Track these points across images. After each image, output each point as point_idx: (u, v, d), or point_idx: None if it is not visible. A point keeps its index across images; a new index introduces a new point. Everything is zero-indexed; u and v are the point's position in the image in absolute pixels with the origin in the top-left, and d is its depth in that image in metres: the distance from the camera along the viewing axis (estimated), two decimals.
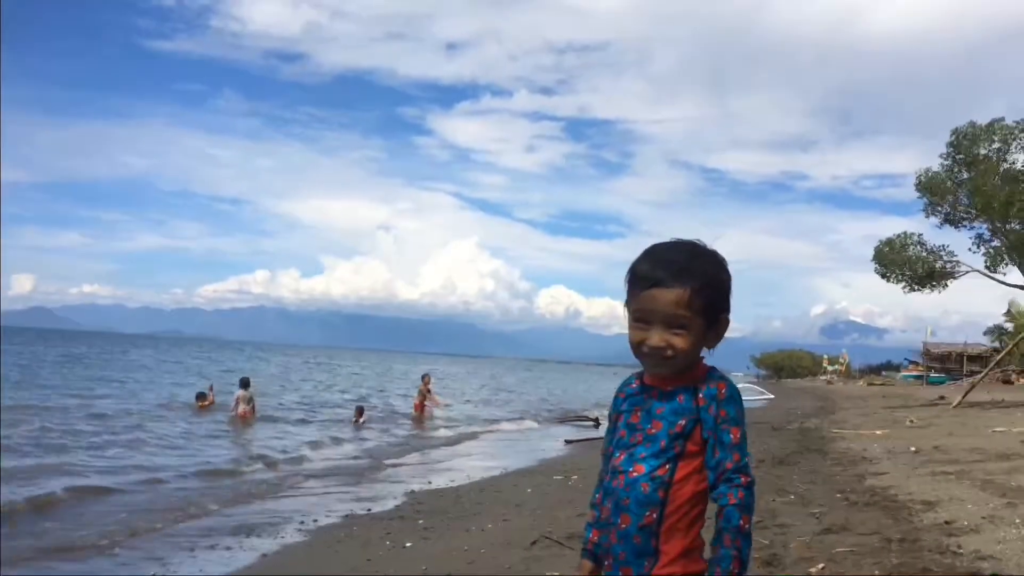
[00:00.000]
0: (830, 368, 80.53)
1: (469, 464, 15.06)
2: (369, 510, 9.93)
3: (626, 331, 2.20)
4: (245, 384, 20.22)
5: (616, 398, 2.36)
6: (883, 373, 76.62)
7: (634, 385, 2.31)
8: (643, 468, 2.16)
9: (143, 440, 15.70)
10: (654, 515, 2.13)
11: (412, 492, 11.32)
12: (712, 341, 2.20)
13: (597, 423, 26.19)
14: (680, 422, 2.16)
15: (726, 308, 2.21)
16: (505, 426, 24.23)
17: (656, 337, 2.14)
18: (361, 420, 20.90)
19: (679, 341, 2.13)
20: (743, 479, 2.13)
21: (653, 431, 2.18)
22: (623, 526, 2.15)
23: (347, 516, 9.51)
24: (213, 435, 17.43)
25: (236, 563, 7.33)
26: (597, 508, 2.29)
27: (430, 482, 12.36)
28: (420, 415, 24.01)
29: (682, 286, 2.12)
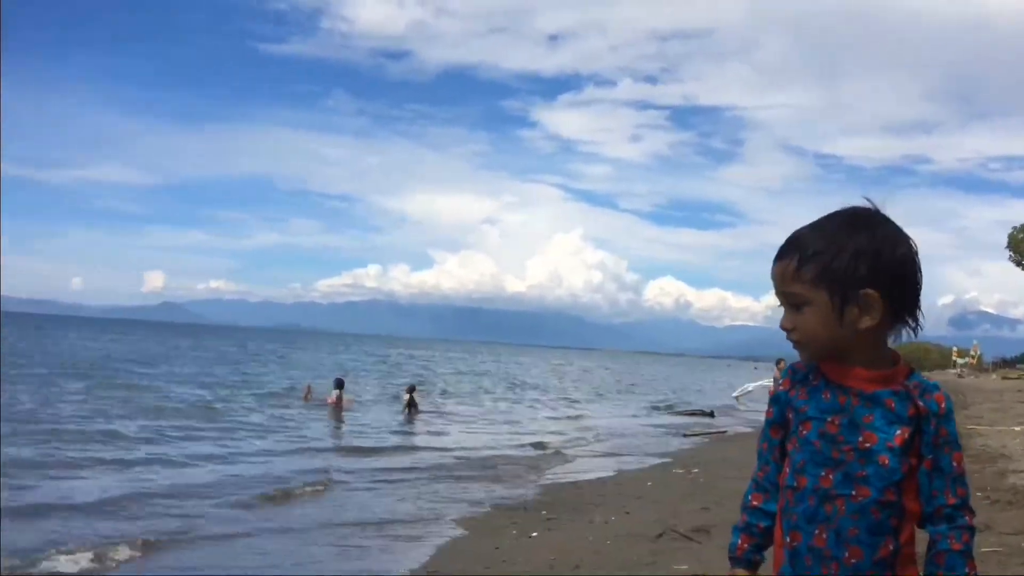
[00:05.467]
0: (960, 361, 76.22)
1: (588, 456, 15.17)
2: (488, 498, 10.20)
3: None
4: (340, 385, 21.29)
5: (782, 393, 1.94)
6: (1019, 366, 72.23)
7: (815, 381, 1.88)
8: (869, 491, 1.78)
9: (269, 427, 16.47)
10: (890, 546, 1.79)
11: (534, 483, 11.51)
12: (862, 319, 1.78)
13: (712, 415, 25.91)
14: (898, 433, 1.79)
15: (869, 281, 1.77)
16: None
17: (784, 319, 1.86)
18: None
19: (802, 321, 1.82)
20: (968, 518, 1.82)
21: (867, 444, 1.79)
22: (852, 560, 1.78)
23: (469, 504, 9.78)
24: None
25: (370, 559, 7.66)
26: (753, 513, 1.98)
27: (552, 474, 12.54)
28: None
29: (788, 257, 1.83)
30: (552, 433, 19.06)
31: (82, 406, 18.16)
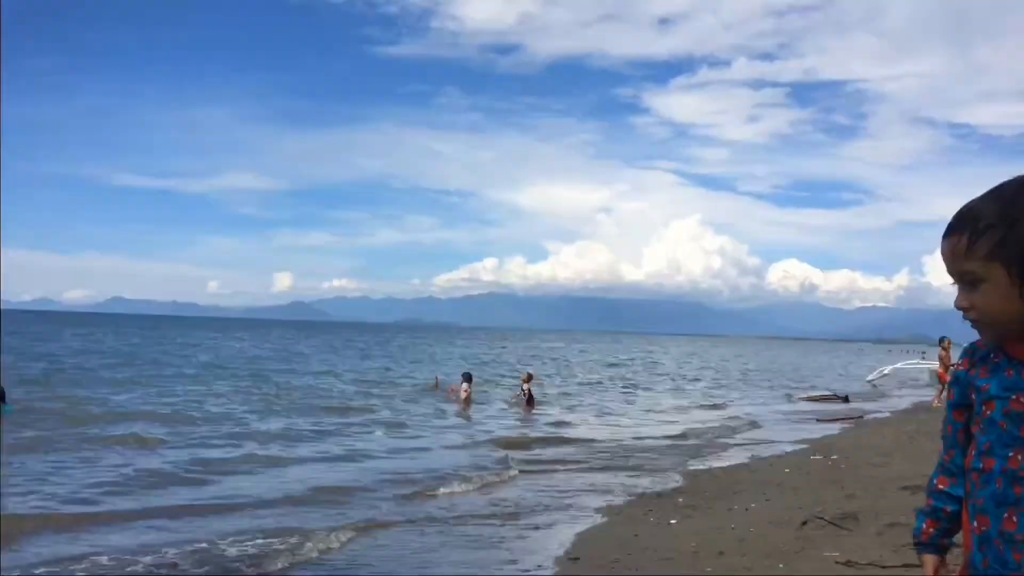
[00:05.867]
0: None
1: (722, 443, 15.00)
2: (624, 486, 10.26)
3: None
4: (468, 379, 21.77)
5: (961, 373, 1.89)
6: None
7: (997, 359, 1.81)
8: None
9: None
10: None
11: (669, 472, 11.48)
12: None
13: (846, 400, 25.04)
14: None
15: None
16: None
17: (959, 297, 1.77)
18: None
19: (980, 299, 1.72)
20: None
21: None
22: None
23: (606, 493, 9.86)
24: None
25: (511, 547, 7.86)
26: (939, 497, 1.95)
27: (686, 462, 12.48)
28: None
29: (958, 232, 1.74)
30: (683, 421, 18.91)
31: (242, 404, 18.93)
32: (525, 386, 21.17)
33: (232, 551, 6.91)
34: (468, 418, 18.51)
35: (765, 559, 6.10)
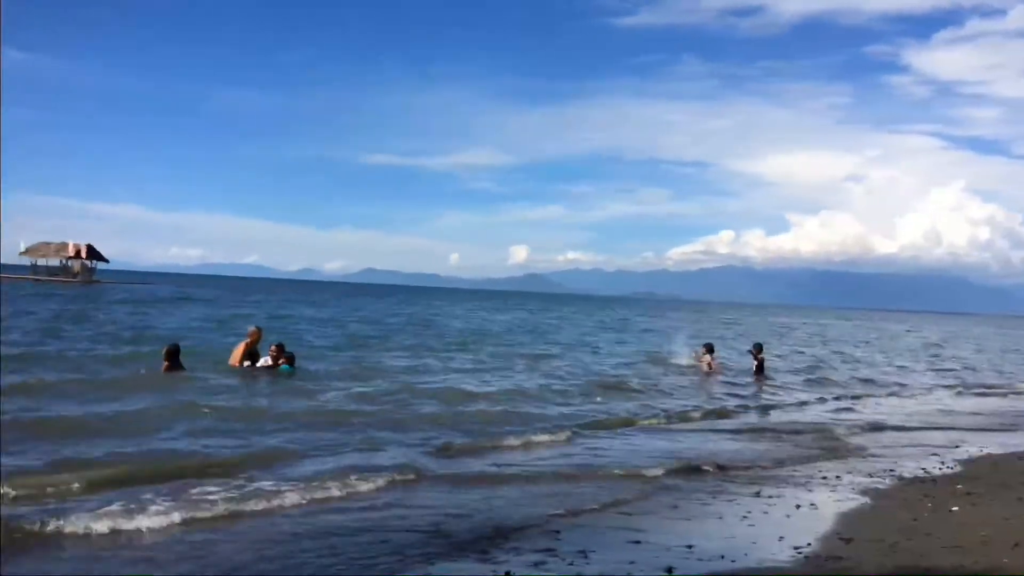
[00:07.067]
0: None
1: (995, 431, 13.79)
2: (891, 471, 9.73)
3: None
4: (710, 350, 21.95)
5: None
6: None
7: None
8: None
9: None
10: None
11: (940, 457, 10.76)
12: None
13: None
14: None
15: None
16: None
17: None
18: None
19: None
20: None
21: None
22: None
23: (871, 476, 9.42)
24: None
25: (771, 522, 7.76)
26: None
27: (957, 446, 11.64)
28: None
29: None
30: (959, 407, 17.57)
31: (519, 377, 18.58)
32: (760, 356, 21.41)
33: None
34: (712, 390, 18.26)
35: None
